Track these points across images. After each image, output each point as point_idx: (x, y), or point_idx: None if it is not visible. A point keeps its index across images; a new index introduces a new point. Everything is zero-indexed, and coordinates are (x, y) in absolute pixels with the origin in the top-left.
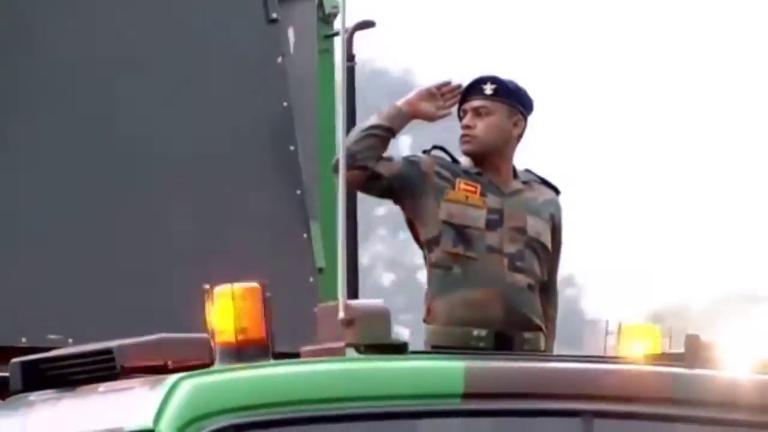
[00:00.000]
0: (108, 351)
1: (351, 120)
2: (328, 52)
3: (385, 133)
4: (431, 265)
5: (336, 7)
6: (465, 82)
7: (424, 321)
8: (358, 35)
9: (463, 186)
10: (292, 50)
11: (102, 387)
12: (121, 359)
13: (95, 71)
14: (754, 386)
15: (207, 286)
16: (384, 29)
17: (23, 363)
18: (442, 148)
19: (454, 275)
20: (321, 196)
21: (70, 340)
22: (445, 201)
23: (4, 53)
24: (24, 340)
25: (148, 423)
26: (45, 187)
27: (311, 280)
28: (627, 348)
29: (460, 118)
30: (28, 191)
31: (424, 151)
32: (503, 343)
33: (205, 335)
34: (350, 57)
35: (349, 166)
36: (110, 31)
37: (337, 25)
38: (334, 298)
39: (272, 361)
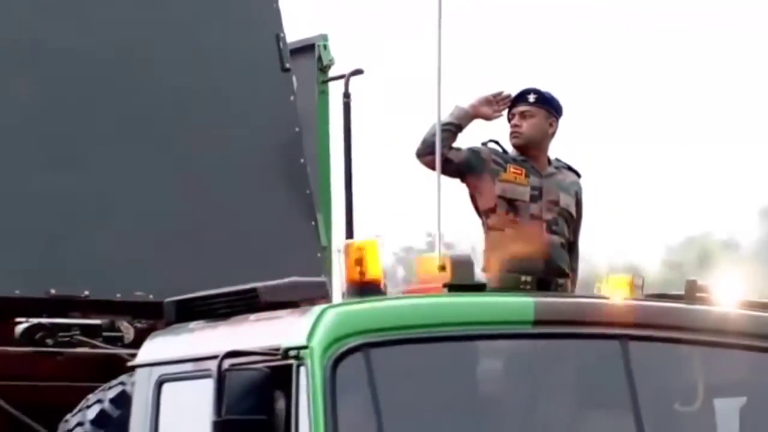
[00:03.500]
0: (253, 290)
1: (348, 142)
2: (325, 93)
3: (455, 128)
4: (489, 228)
5: (331, 60)
6: (513, 93)
7: (483, 270)
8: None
9: (512, 170)
10: (295, 91)
11: (252, 317)
12: (265, 296)
13: (171, 113)
14: (738, 318)
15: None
16: (375, 75)
17: (177, 302)
18: (496, 142)
19: (506, 236)
20: (321, 195)
21: (151, 296)
22: (499, 181)
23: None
24: (118, 295)
25: (302, 341)
26: (138, 182)
27: (318, 255)
28: (610, 294)
29: (509, 120)
30: (122, 182)
31: (483, 144)
32: (543, 287)
33: (322, 279)
34: (347, 95)
35: (427, 153)
36: (168, 76)
37: (332, 72)
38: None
39: (390, 295)
